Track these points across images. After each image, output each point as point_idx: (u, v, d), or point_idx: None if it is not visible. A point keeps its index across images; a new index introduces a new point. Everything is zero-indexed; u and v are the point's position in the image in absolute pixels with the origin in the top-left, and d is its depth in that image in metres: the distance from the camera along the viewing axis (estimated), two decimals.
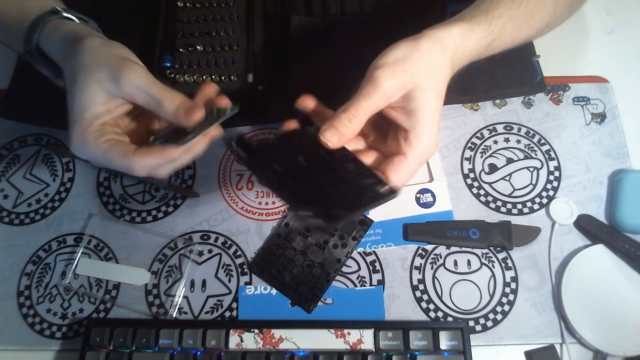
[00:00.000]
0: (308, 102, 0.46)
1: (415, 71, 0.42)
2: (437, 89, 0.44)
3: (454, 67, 0.46)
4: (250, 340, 0.51)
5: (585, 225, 0.56)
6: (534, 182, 0.59)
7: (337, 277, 0.55)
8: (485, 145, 0.61)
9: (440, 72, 0.44)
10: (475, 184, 0.59)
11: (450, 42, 0.44)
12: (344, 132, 0.41)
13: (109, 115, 0.44)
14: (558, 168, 0.60)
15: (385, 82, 0.41)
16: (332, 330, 0.51)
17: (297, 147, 0.44)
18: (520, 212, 0.58)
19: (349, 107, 0.42)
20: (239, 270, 0.57)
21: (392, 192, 0.42)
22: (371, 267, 0.56)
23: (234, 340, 0.51)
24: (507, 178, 0.60)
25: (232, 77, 0.60)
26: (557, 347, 0.52)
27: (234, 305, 0.55)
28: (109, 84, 0.43)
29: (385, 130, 0.47)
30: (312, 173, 0.42)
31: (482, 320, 0.53)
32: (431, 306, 0.54)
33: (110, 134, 0.44)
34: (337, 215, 0.38)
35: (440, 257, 0.56)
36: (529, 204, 0.58)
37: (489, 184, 0.59)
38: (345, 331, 0.51)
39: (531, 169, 0.60)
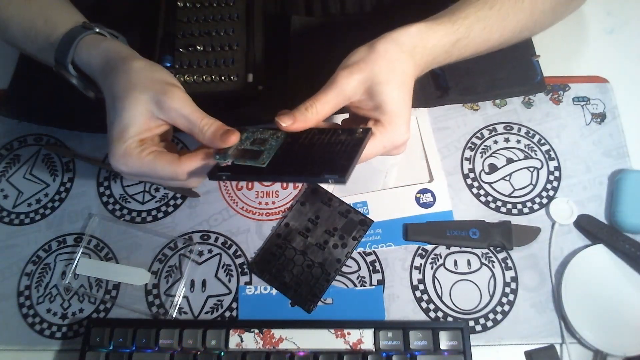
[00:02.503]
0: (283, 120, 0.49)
1: (374, 69, 0.46)
2: (398, 82, 0.47)
3: (417, 62, 0.48)
4: (250, 340, 0.51)
5: (585, 225, 0.56)
6: (534, 182, 0.59)
7: (337, 277, 0.55)
8: (485, 145, 0.61)
9: (399, 66, 0.47)
10: (475, 184, 0.59)
11: (407, 40, 0.48)
12: (297, 117, 0.45)
13: (149, 133, 0.47)
14: (558, 168, 0.60)
15: (342, 80, 0.46)
16: (332, 330, 0.51)
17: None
18: (520, 212, 0.58)
19: (308, 99, 0.46)
20: (239, 270, 0.57)
21: (368, 130, 0.46)
22: (371, 267, 0.56)
23: (234, 340, 0.51)
24: (507, 178, 0.60)
25: (232, 77, 0.60)
26: (557, 347, 0.52)
27: (234, 305, 0.55)
28: (153, 106, 0.46)
29: None
30: (295, 154, 0.46)
31: (482, 320, 0.53)
32: (431, 306, 0.54)
33: (151, 146, 0.47)
34: (348, 161, 0.42)
35: (440, 257, 0.56)
36: (529, 204, 0.58)
37: (489, 184, 0.59)
38: (345, 331, 0.51)
39: (531, 169, 0.60)
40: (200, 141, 0.46)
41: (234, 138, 0.45)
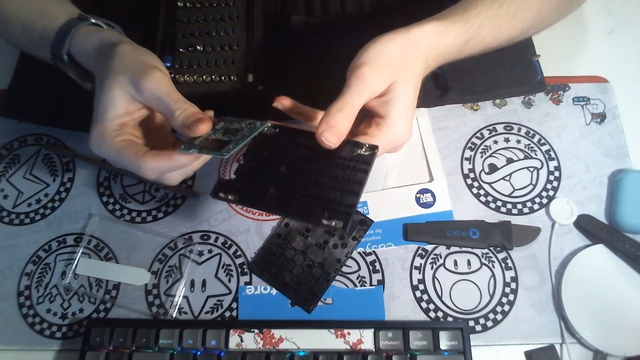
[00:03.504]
0: (284, 101, 0.48)
1: (396, 66, 0.45)
2: (413, 83, 0.46)
3: (428, 64, 0.47)
4: (250, 340, 0.51)
5: (585, 225, 0.56)
6: (534, 182, 0.59)
7: (337, 277, 0.55)
8: (485, 145, 0.61)
9: (415, 69, 0.46)
10: (475, 184, 0.59)
11: (423, 40, 0.46)
12: (341, 132, 0.42)
13: (129, 117, 0.46)
14: (558, 168, 0.60)
15: (372, 77, 0.43)
16: (332, 330, 0.51)
17: (276, 154, 0.45)
18: (520, 212, 0.58)
19: (344, 105, 0.42)
20: (239, 270, 0.57)
21: (374, 149, 0.43)
22: (371, 267, 0.56)
23: (234, 340, 0.51)
24: (507, 178, 0.60)
25: (232, 77, 0.60)
26: (557, 347, 0.52)
27: (234, 305, 0.55)
28: (130, 88, 0.44)
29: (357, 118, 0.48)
30: (298, 174, 0.43)
31: (482, 320, 0.53)
32: (431, 306, 0.54)
33: (127, 134, 0.46)
34: (349, 207, 0.40)
35: (440, 257, 0.56)
36: (529, 204, 0.58)
37: (489, 184, 0.59)
38: (345, 331, 0.51)
39: (531, 169, 0.60)
40: (174, 126, 0.44)
41: (203, 127, 0.42)
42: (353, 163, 0.42)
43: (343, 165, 0.42)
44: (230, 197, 0.43)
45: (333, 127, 0.41)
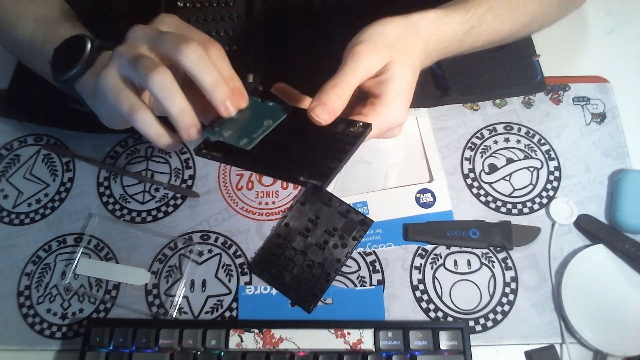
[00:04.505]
0: (280, 85, 0.49)
1: (394, 47, 0.44)
2: (411, 65, 0.45)
3: (429, 51, 0.47)
4: (250, 340, 0.51)
5: (585, 225, 0.56)
6: (534, 182, 0.59)
7: (337, 277, 0.55)
8: (485, 145, 0.61)
9: (414, 52, 0.46)
10: (475, 184, 0.59)
11: (425, 26, 0.46)
12: (334, 109, 0.41)
13: None
14: (558, 168, 0.60)
15: (368, 55, 0.43)
16: (332, 330, 0.51)
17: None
18: (520, 212, 0.58)
19: (338, 82, 0.42)
20: (239, 270, 0.57)
21: (367, 127, 0.42)
22: (371, 267, 0.56)
23: (234, 340, 0.51)
24: (507, 178, 0.60)
25: None
26: (557, 347, 0.52)
27: (234, 305, 0.55)
28: None
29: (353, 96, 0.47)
30: (286, 142, 0.42)
31: (482, 320, 0.53)
32: (431, 306, 0.54)
33: None
34: (330, 170, 0.39)
35: (440, 257, 0.56)
36: (529, 204, 0.58)
37: (489, 184, 0.59)
38: (345, 331, 0.51)
39: (531, 169, 0.60)
40: (210, 96, 0.39)
41: (242, 103, 0.41)
42: (343, 137, 0.41)
43: (333, 138, 0.41)
44: (214, 154, 0.41)
45: (325, 104, 0.41)
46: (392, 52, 0.44)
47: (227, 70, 0.42)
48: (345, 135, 0.41)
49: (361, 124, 0.42)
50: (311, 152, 0.41)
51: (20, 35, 0.52)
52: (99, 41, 0.47)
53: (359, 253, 0.57)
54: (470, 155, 0.61)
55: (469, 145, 0.61)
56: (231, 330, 0.51)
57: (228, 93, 0.39)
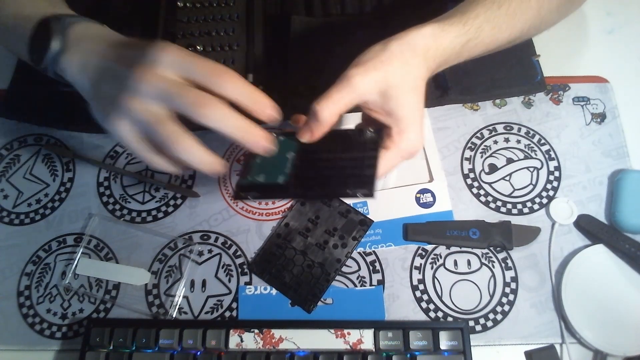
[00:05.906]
0: (300, 119, 0.49)
1: (389, 70, 0.44)
2: (412, 86, 0.45)
3: (429, 65, 0.47)
4: (250, 340, 0.51)
5: (585, 225, 0.56)
6: (534, 182, 0.59)
7: (337, 277, 0.55)
8: (485, 145, 0.61)
9: (413, 70, 0.46)
10: (475, 184, 0.59)
11: (420, 42, 0.46)
12: (314, 128, 0.45)
13: None
14: (558, 168, 0.60)
15: (356, 77, 0.44)
16: (332, 330, 0.51)
17: (282, 150, 0.47)
18: (520, 212, 0.58)
19: (320, 100, 0.44)
20: (239, 270, 0.57)
21: (378, 130, 0.46)
22: (371, 267, 0.56)
23: (234, 340, 0.51)
24: (507, 178, 0.60)
25: None
26: (557, 347, 0.52)
27: (234, 305, 0.55)
28: None
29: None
30: (312, 166, 0.46)
31: (482, 320, 0.53)
32: (431, 306, 0.54)
33: None
34: (370, 178, 0.42)
35: (440, 257, 0.56)
36: (529, 204, 0.58)
37: (489, 184, 0.59)
38: (345, 331, 0.51)
39: (531, 169, 0.60)
40: (230, 137, 0.40)
41: (272, 147, 0.42)
42: (361, 145, 0.44)
43: (351, 148, 0.45)
44: (253, 193, 0.45)
45: (305, 124, 0.45)
46: (387, 76, 0.44)
47: (246, 96, 0.42)
48: (362, 143, 0.44)
49: (370, 129, 0.45)
50: (341, 167, 0.44)
51: (4, 20, 0.51)
52: (68, 18, 0.46)
53: (359, 253, 0.57)
54: (470, 155, 0.61)
55: (469, 145, 0.61)
56: (231, 330, 0.51)
57: (259, 137, 0.41)
